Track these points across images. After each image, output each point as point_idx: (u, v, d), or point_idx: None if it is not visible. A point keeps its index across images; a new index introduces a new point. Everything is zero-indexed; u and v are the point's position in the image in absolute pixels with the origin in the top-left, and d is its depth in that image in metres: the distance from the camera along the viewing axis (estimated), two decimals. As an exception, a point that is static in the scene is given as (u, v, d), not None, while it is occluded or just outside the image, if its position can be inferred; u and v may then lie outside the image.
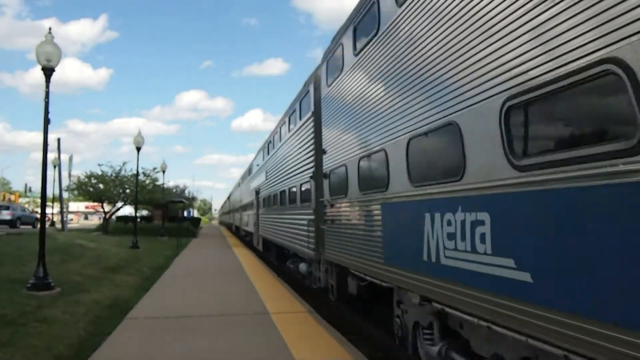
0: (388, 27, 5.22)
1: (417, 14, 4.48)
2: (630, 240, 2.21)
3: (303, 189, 9.89)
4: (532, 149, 3.02)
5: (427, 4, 4.26)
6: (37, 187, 63.27)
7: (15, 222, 27.95)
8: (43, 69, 8.29)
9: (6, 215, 28.03)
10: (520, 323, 2.95)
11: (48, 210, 22.52)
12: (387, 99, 5.21)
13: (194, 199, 59.43)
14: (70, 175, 27.25)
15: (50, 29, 8.43)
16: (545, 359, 2.83)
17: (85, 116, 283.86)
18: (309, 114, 9.28)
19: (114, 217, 31.29)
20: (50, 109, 8.43)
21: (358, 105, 6.22)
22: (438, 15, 4.08)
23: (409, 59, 4.64)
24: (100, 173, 27.91)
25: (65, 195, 29.92)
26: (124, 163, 28.52)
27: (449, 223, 3.76)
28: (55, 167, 30.08)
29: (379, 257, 5.30)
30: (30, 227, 28.70)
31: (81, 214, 77.90)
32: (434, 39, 4.14)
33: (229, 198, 40.48)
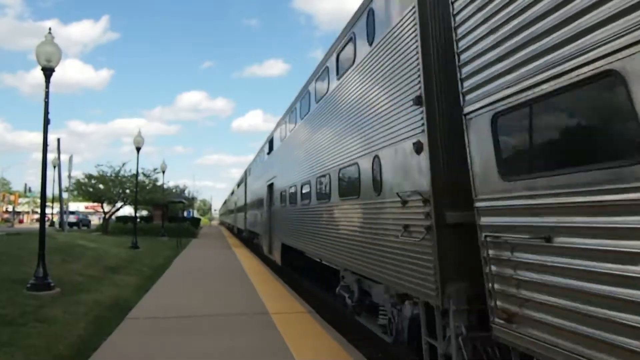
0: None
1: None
2: None
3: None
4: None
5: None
6: (36, 187, 63.29)
7: (78, 224, 37.96)
8: (43, 69, 8.29)
9: (73, 218, 37.26)
10: None
11: (47, 211, 22.96)
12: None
13: (193, 199, 59.41)
14: (70, 176, 27.27)
15: (50, 29, 8.44)
16: None
17: (86, 117, 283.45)
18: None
19: (113, 217, 31.27)
20: (51, 109, 8.46)
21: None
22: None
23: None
24: (98, 174, 27.87)
25: (65, 195, 29.91)
26: (124, 163, 28.52)
27: None
28: (55, 167, 30.09)
29: None
30: (85, 227, 38.42)
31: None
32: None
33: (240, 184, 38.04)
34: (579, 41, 2.43)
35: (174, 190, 40.36)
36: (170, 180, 62.91)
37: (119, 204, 29.76)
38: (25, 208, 70.73)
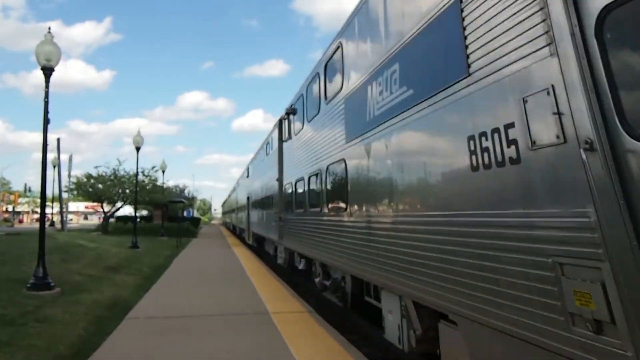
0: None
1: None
2: None
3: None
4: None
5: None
6: (36, 187, 63.27)
7: None
8: (43, 68, 8.28)
9: None
10: None
11: (47, 210, 22.97)
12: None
13: (193, 198, 59.42)
14: (69, 175, 27.24)
15: (49, 28, 8.42)
16: None
17: (87, 117, 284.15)
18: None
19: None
20: (52, 109, 8.46)
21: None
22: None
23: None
24: (97, 175, 27.80)
25: (64, 195, 29.88)
26: (122, 161, 28.42)
27: None
28: (55, 167, 30.06)
29: None
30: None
31: (81, 213, 77.85)
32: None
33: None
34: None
35: (174, 190, 40.37)
36: (170, 180, 63.01)
37: (118, 204, 29.72)
38: (25, 208, 70.71)
